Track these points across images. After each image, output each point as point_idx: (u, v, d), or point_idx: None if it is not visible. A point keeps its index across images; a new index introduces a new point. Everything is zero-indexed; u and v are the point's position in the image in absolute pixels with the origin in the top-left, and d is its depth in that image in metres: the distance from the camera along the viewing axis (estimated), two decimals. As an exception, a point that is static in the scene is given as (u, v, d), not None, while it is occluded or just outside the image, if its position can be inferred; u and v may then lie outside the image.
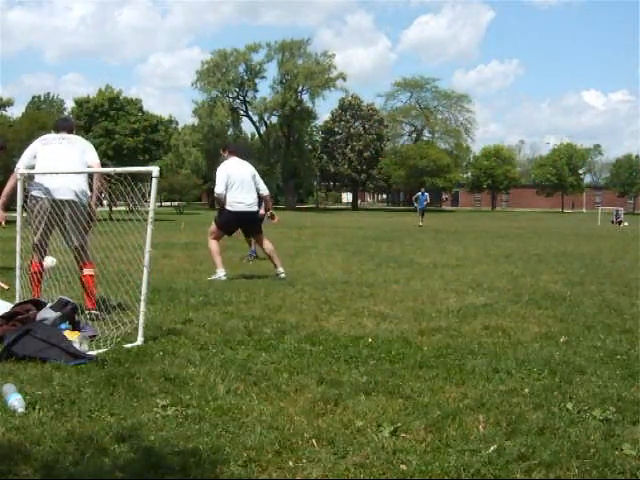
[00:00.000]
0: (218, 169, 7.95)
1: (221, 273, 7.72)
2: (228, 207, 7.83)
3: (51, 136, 5.54)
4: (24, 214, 5.32)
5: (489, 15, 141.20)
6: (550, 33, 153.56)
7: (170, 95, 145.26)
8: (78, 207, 5.15)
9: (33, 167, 5.30)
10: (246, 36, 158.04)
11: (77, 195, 5.15)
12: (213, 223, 8.19)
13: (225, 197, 7.81)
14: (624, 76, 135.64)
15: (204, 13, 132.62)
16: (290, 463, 2.47)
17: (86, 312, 5.00)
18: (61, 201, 5.10)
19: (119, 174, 4.89)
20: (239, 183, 7.82)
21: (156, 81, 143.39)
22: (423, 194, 27.88)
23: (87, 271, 5.24)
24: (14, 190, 5.25)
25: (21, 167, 5.34)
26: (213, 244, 7.97)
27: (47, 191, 5.12)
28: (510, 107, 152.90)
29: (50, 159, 5.24)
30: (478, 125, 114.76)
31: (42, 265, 5.29)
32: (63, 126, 5.64)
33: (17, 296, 5.06)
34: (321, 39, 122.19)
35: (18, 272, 5.18)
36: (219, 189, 7.81)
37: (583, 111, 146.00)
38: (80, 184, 5.22)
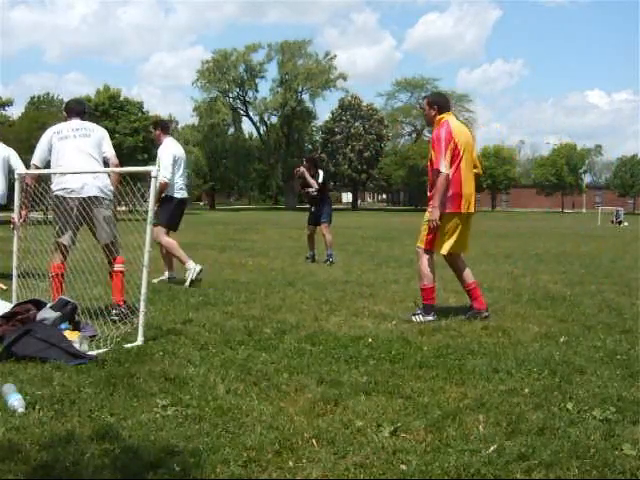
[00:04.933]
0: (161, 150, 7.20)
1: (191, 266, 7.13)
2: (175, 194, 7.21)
3: (65, 126, 5.30)
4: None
5: (495, 14, 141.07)
6: (555, 32, 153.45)
7: (172, 94, 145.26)
8: (103, 203, 5.06)
9: (49, 162, 5.21)
10: (250, 35, 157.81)
11: (102, 191, 5.06)
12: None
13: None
14: (628, 76, 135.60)
15: (208, 12, 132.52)
16: (290, 463, 2.47)
17: (114, 307, 4.98)
18: (89, 198, 4.99)
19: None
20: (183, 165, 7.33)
21: (158, 80, 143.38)
22: None
23: (118, 266, 5.14)
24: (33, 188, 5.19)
25: (37, 161, 5.26)
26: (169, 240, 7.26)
27: (72, 190, 5.02)
28: (513, 107, 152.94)
29: (66, 157, 5.13)
30: (479, 125, 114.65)
31: (64, 266, 5.17)
32: (75, 111, 5.40)
33: (14, 296, 5.06)
34: (326, 38, 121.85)
35: (15, 272, 5.18)
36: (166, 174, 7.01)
37: (587, 111, 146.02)
38: (104, 179, 5.11)
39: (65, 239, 5.11)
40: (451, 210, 5.25)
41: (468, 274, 5.53)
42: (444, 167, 5.14)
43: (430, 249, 5.35)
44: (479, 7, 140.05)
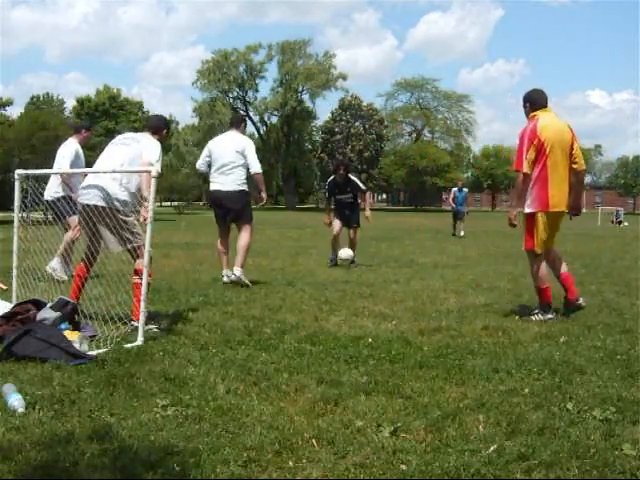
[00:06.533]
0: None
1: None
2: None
3: (122, 135, 5.32)
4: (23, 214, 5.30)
5: (498, 13, 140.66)
6: (557, 32, 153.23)
7: (172, 94, 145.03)
8: (107, 212, 4.74)
9: None
10: (251, 35, 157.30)
11: (104, 200, 4.76)
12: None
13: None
14: (629, 76, 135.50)
15: (209, 11, 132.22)
16: (290, 463, 2.47)
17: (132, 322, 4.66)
18: (89, 206, 4.80)
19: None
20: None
21: (158, 80, 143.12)
22: (461, 190, 19.08)
23: (134, 278, 4.81)
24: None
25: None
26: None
27: (80, 195, 4.97)
28: (515, 106, 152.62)
29: (100, 161, 5.07)
30: (480, 125, 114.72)
31: (87, 269, 5.05)
32: (146, 125, 5.39)
33: (14, 296, 5.05)
34: (327, 38, 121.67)
35: (15, 272, 5.18)
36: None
37: (588, 111, 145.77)
38: (109, 187, 4.77)
39: (85, 244, 5.01)
40: (537, 209, 5.22)
41: (559, 266, 5.54)
42: (523, 166, 5.12)
43: (532, 249, 5.35)
44: (481, 7, 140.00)
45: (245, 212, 7.26)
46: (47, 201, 7.28)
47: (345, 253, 9.42)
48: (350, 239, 9.69)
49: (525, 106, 5.41)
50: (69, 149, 7.55)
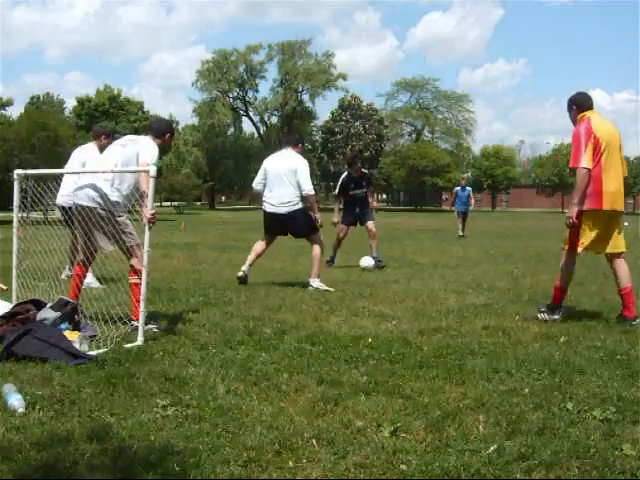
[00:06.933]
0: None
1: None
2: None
3: (125, 137, 5.29)
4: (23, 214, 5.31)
5: (498, 13, 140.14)
6: (557, 32, 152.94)
7: (173, 94, 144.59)
8: (95, 213, 4.75)
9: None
10: (252, 34, 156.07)
11: (93, 200, 4.78)
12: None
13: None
14: (629, 76, 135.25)
15: (209, 11, 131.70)
16: (290, 463, 2.47)
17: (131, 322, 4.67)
18: (81, 207, 4.81)
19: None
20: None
21: (159, 80, 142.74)
22: (464, 189, 18.89)
23: (132, 279, 4.84)
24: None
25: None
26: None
27: (73, 195, 4.99)
28: (515, 106, 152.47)
29: (97, 162, 5.09)
30: (480, 125, 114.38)
31: (86, 269, 5.10)
32: (148, 128, 5.28)
33: (14, 296, 5.05)
34: (328, 38, 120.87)
35: (15, 272, 5.17)
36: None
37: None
38: (101, 188, 4.78)
39: (80, 244, 5.02)
40: (590, 207, 5.12)
41: (623, 278, 5.25)
42: (584, 162, 5.04)
43: (570, 249, 5.28)
44: (482, 7, 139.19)
45: (308, 227, 7.24)
46: (61, 206, 6.93)
47: (366, 262, 9.30)
48: (372, 233, 9.63)
49: (571, 109, 5.40)
50: (90, 155, 7.20)
